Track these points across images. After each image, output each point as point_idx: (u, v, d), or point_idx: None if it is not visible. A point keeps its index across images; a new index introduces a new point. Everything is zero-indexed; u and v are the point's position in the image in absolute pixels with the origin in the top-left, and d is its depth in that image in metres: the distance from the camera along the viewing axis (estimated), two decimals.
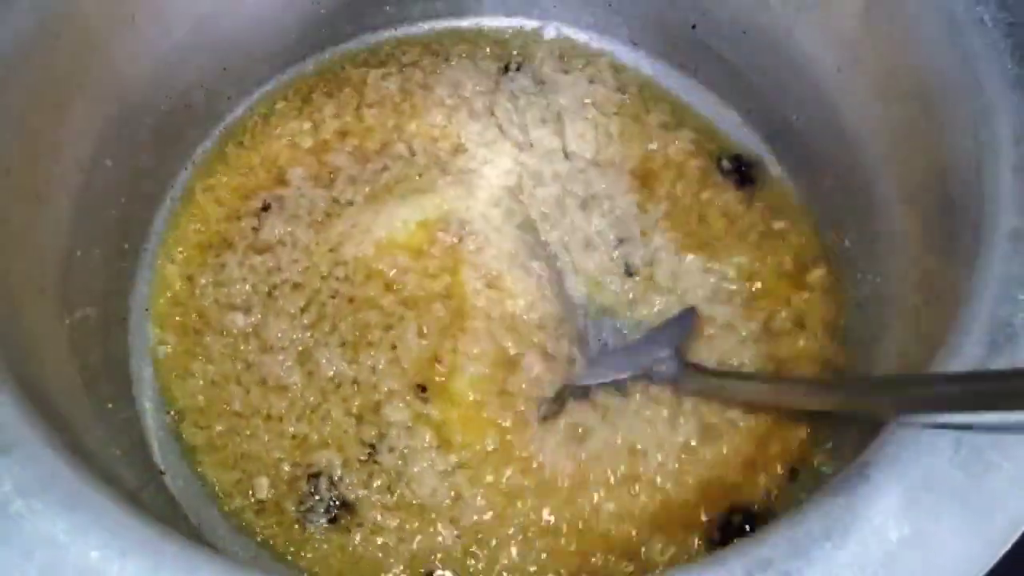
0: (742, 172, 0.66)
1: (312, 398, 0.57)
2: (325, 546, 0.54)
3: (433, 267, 0.61)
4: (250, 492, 0.56)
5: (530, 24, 0.73)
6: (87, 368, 0.53)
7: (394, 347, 0.59)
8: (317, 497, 0.55)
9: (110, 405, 0.55)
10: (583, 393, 0.57)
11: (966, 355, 0.38)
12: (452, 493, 0.54)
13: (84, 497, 0.36)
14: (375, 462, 0.56)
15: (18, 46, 0.50)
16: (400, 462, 0.55)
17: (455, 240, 0.62)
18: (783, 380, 0.56)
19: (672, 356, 0.54)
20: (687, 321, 0.58)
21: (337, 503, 0.55)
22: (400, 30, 0.73)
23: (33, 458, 0.37)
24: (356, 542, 0.54)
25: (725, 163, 0.66)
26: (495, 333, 0.59)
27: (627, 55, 0.71)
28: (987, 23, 0.47)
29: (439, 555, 0.53)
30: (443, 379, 0.58)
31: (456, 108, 0.67)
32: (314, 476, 0.55)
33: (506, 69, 0.70)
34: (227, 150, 0.67)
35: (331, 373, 0.58)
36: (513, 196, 0.64)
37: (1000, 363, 0.37)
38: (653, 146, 0.66)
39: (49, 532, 0.35)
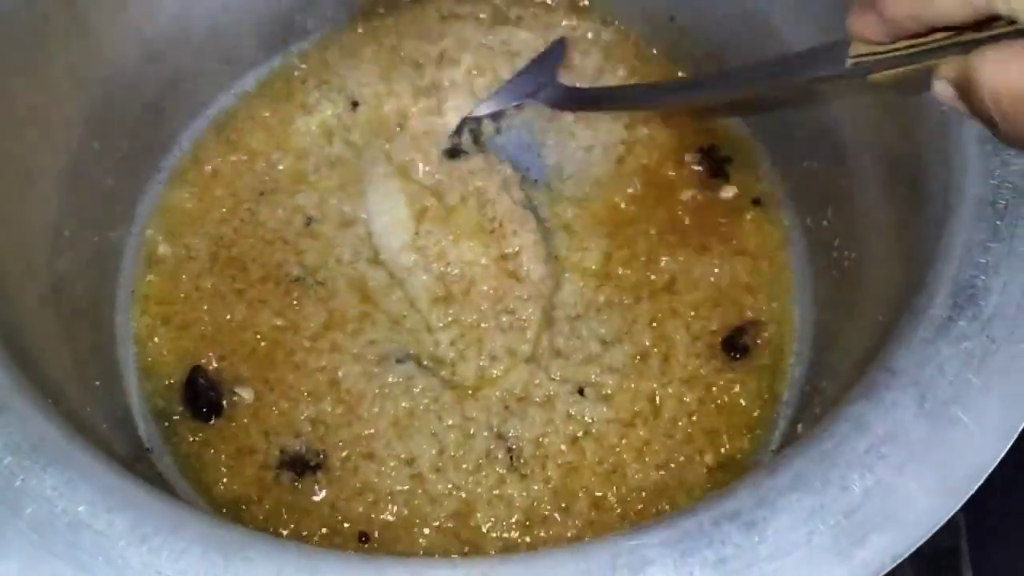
0: (713, 161, 0.65)
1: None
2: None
3: None
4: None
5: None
6: (75, 345, 0.54)
7: None
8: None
9: (97, 383, 0.55)
10: (477, 126, 0.65)
11: (931, 315, 0.39)
12: None
13: (73, 458, 0.37)
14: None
15: (6, 28, 0.51)
16: None
17: None
18: (647, 84, 0.66)
19: (549, 82, 0.63)
20: (559, 50, 0.66)
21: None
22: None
23: (23, 419, 0.38)
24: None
25: (697, 155, 0.65)
26: None
27: (607, 38, 0.71)
28: None
29: None
30: None
31: (438, 87, 0.68)
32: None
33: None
34: (217, 134, 0.67)
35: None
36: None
37: (963, 322, 0.38)
38: (628, 130, 0.67)
39: (38, 488, 0.36)
